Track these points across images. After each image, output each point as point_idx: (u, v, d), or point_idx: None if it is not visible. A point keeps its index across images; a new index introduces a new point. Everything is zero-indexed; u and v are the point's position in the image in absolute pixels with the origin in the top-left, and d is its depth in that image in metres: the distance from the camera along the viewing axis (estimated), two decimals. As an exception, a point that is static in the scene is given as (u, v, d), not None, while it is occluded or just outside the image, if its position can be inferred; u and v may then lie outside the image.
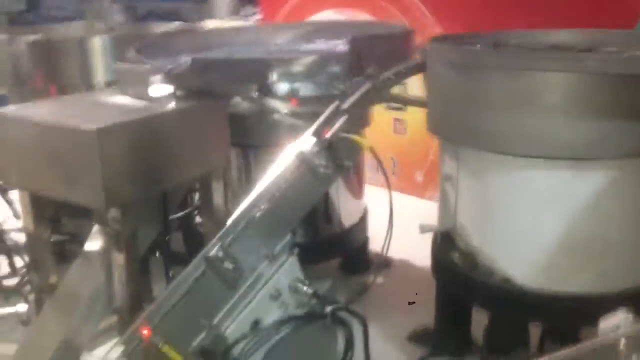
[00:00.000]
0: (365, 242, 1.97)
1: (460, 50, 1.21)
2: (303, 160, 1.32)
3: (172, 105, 1.38)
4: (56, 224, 1.52)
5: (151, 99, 1.41)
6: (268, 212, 1.30)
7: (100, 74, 1.91)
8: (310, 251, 1.82)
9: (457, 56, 1.20)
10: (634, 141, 1.11)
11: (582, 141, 1.12)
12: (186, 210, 1.65)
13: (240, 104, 1.52)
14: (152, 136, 1.28)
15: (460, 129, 1.24)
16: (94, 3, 7.67)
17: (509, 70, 1.12)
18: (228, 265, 1.24)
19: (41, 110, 1.29)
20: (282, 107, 1.48)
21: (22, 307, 1.50)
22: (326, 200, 1.82)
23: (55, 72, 1.92)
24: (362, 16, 3.05)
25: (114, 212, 1.26)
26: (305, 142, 1.33)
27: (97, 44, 1.93)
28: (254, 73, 1.47)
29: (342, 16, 3.12)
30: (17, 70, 1.90)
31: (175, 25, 2.37)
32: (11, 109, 1.29)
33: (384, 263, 1.97)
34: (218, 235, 1.24)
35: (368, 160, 1.86)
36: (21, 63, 1.90)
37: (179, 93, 1.46)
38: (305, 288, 1.32)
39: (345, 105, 1.39)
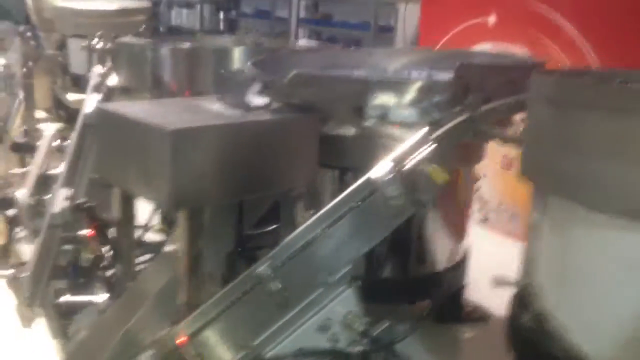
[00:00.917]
0: (460, 289, 1.81)
1: (558, 83, 1.05)
2: (373, 188, 1.24)
3: (260, 116, 1.37)
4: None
5: (245, 108, 1.42)
6: (328, 237, 1.23)
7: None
8: (394, 290, 1.74)
9: (554, 90, 1.04)
10: None
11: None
12: (267, 228, 1.62)
13: (338, 123, 1.47)
14: (231, 144, 1.28)
15: (549, 174, 1.07)
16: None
17: (608, 111, 0.95)
18: (276, 285, 1.19)
19: (137, 108, 1.36)
20: (381, 131, 1.41)
21: (100, 297, 1.57)
22: (419, 236, 1.69)
23: (191, 79, 2.03)
24: (519, 50, 2.86)
25: (183, 215, 1.28)
26: (380, 168, 1.25)
27: (234, 55, 2.00)
28: (353, 92, 1.42)
29: (499, 49, 2.96)
30: (156, 75, 2.04)
31: (302, 44, 2.39)
32: (111, 105, 1.38)
33: (480, 316, 1.79)
34: (271, 253, 1.21)
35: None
36: (160, 69, 2.03)
37: (275, 105, 1.45)
38: (357, 324, 1.24)
39: (434, 135, 1.29)
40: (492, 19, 2.99)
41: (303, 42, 2.39)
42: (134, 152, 1.26)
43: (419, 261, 1.74)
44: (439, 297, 1.79)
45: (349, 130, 1.45)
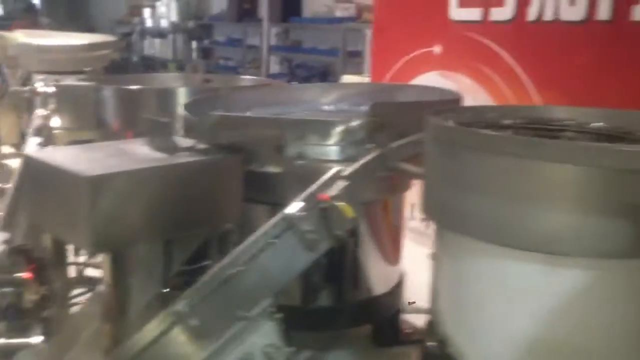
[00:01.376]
0: (397, 312, 1.86)
1: (440, 126, 1.12)
2: (288, 224, 1.30)
3: (183, 158, 1.43)
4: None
5: (172, 151, 1.48)
6: (246, 273, 1.29)
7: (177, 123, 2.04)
8: (331, 317, 1.79)
9: (437, 132, 1.12)
10: (613, 241, 0.95)
11: (558, 235, 0.98)
12: (196, 265, 1.67)
13: (262, 161, 1.53)
14: (152, 186, 1.34)
15: (439, 208, 1.15)
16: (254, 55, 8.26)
17: (481, 153, 1.02)
18: (194, 321, 1.24)
19: (63, 154, 1.41)
20: (301, 168, 1.47)
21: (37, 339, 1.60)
22: (354, 264, 1.75)
23: (133, 120, 2.08)
24: (464, 81, 2.97)
25: (107, 257, 1.33)
26: (294, 205, 1.31)
27: (176, 96, 2.07)
28: (271, 132, 1.49)
29: (445, 80, 3.06)
30: (99, 117, 2.10)
31: (249, 80, 2.46)
32: (36, 151, 1.44)
33: (418, 338, 1.84)
34: (188, 290, 1.26)
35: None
36: (103, 110, 2.09)
37: (201, 147, 1.52)
38: (277, 357, 1.29)
39: (346, 172, 1.36)
40: (437, 49, 3.09)
41: (247, 79, 2.45)
42: (58, 197, 1.31)
43: (355, 287, 1.80)
44: (376, 321, 1.85)
45: (273, 168, 1.52)
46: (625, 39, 2.34)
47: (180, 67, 8.98)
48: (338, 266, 1.77)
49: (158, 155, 1.44)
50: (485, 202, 1.04)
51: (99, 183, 1.24)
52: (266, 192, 1.55)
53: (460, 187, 1.08)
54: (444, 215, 1.15)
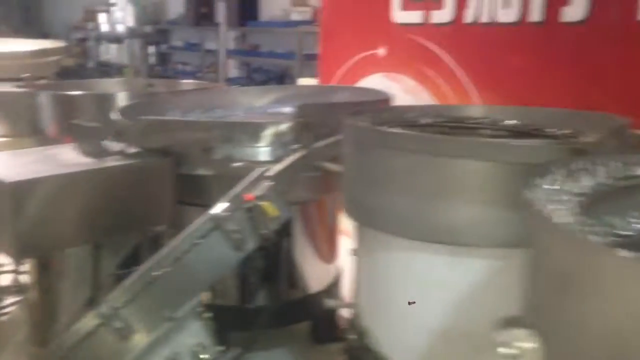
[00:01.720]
0: (334, 309, 1.90)
1: (351, 126, 1.17)
2: (214, 224, 1.32)
3: (110, 162, 1.44)
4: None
5: (100, 155, 1.49)
6: (171, 274, 1.31)
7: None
8: (269, 315, 1.82)
9: (350, 132, 1.16)
10: (511, 231, 1.00)
11: (459, 227, 1.03)
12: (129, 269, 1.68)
13: (193, 164, 1.55)
14: (77, 191, 1.35)
15: (355, 205, 1.19)
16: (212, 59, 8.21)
17: (386, 151, 1.06)
18: (119, 323, 1.25)
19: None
20: (230, 169, 1.50)
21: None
22: (288, 263, 1.78)
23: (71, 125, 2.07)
24: (408, 82, 3.03)
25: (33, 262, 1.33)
26: (220, 205, 1.34)
27: (114, 101, 2.06)
28: (201, 135, 1.51)
29: (390, 81, 3.12)
30: (35, 122, 2.08)
31: (191, 84, 2.47)
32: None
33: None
34: (113, 292, 1.27)
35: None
36: (39, 115, 2.08)
37: (130, 151, 1.53)
38: (206, 355, 1.31)
39: (271, 173, 1.39)
40: (381, 52, 3.15)
41: (190, 83, 2.46)
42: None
43: (292, 286, 1.83)
44: (314, 318, 1.88)
45: (203, 170, 1.54)
46: (556, 40, 2.43)
47: (137, 73, 8.89)
48: (274, 265, 1.79)
49: (85, 160, 1.45)
50: (393, 198, 1.08)
51: (21, 189, 1.25)
52: (198, 195, 1.57)
53: (371, 184, 1.12)
54: (359, 212, 1.19)
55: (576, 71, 2.35)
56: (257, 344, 1.82)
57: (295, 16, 7.83)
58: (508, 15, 2.55)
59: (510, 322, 0.56)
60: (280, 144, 1.49)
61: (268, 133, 1.48)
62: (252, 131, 1.48)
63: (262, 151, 1.49)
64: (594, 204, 0.69)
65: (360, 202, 1.16)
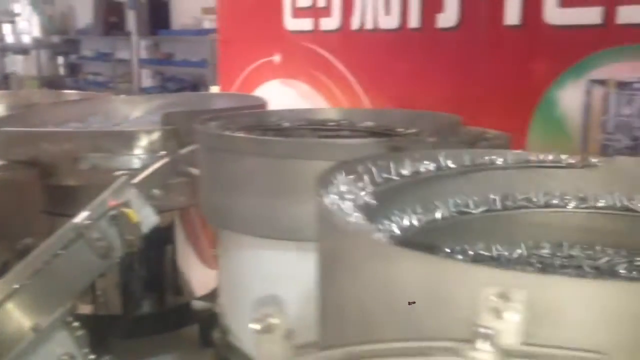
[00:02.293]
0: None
1: (200, 132, 1.22)
2: (77, 233, 1.34)
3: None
4: None
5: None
6: (35, 284, 1.31)
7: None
8: (154, 322, 1.84)
9: (199, 138, 1.22)
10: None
11: (303, 223, 1.10)
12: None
13: (61, 175, 1.55)
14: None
15: (209, 207, 1.24)
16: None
17: (230, 154, 1.12)
18: (-22, 336, 1.24)
19: None
20: (97, 178, 1.51)
21: None
22: (171, 269, 1.81)
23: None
24: (303, 88, 3.12)
25: None
26: (83, 214, 1.35)
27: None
28: (66, 146, 1.51)
29: (286, 87, 3.19)
30: None
31: (75, 94, 2.46)
32: None
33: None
34: (-29, 306, 1.26)
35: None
36: None
37: (-2, 163, 1.52)
38: (71, 363, 1.31)
39: (135, 180, 1.42)
40: (277, 58, 3.22)
41: (74, 94, 2.44)
42: None
43: (175, 292, 1.85)
44: (201, 322, 1.91)
45: (73, 180, 1.54)
46: (433, 45, 2.57)
47: (46, 84, 8.60)
48: (157, 272, 1.82)
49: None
50: (240, 199, 1.14)
51: None
52: (68, 205, 1.57)
53: (220, 186, 1.17)
54: (213, 214, 1.24)
55: (451, 73, 2.50)
56: (146, 351, 1.83)
57: (207, 24, 7.80)
58: (389, 22, 2.68)
59: (267, 301, 0.62)
60: (148, 152, 1.52)
61: (134, 141, 1.50)
62: (118, 140, 1.50)
63: (129, 160, 1.51)
64: (382, 199, 0.77)
65: (214, 204, 1.21)
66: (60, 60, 9.94)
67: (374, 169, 0.83)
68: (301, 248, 1.14)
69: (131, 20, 8.76)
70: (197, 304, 1.87)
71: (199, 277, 1.88)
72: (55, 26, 9.77)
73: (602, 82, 2.12)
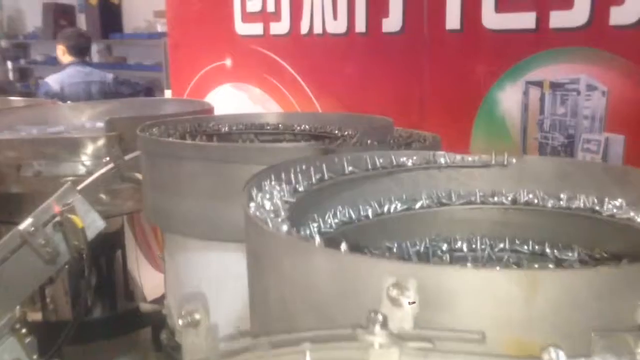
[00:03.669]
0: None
1: (141, 137, 1.24)
2: (22, 239, 1.34)
3: None
4: None
5: None
6: (-21, 292, 1.31)
7: None
8: (105, 325, 1.85)
9: (140, 143, 1.24)
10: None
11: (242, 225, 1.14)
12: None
13: (6, 182, 1.55)
14: None
15: (153, 212, 1.27)
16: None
17: (171, 160, 1.15)
18: None
19: None
20: (41, 185, 1.51)
21: None
22: (121, 272, 1.83)
23: None
24: (254, 91, 3.15)
25: None
26: (27, 220, 1.36)
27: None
28: (8, 153, 1.52)
29: (237, 91, 3.22)
30: None
31: (21, 101, 2.44)
32: None
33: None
34: None
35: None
36: None
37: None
38: (19, 369, 1.32)
39: (80, 186, 1.43)
40: (228, 62, 3.25)
41: (20, 100, 2.43)
42: None
43: (125, 297, 1.87)
44: (155, 325, 1.93)
45: (17, 188, 1.55)
46: (379, 49, 2.64)
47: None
48: (107, 276, 1.83)
49: None
50: (183, 202, 1.17)
51: None
52: (12, 213, 1.58)
53: (164, 191, 1.20)
54: (158, 218, 1.27)
55: (397, 76, 2.58)
56: (98, 355, 1.84)
57: (159, 27, 7.74)
58: (337, 26, 2.74)
59: (191, 297, 0.66)
60: (92, 158, 1.53)
61: (79, 148, 1.52)
62: (62, 146, 1.51)
63: (74, 166, 1.53)
64: (308, 201, 0.82)
65: (157, 208, 1.24)
66: (9, 65, 9.71)
67: (300, 172, 0.87)
68: (243, 249, 1.18)
69: (82, 24, 8.66)
70: (148, 307, 1.89)
71: (149, 280, 1.90)
72: (3, 30, 9.54)
73: (537, 84, 2.23)
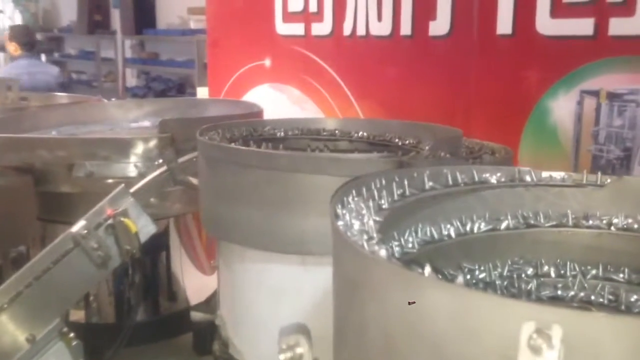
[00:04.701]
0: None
1: (202, 142, 1.20)
2: (74, 242, 1.32)
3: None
4: None
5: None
6: (30, 294, 1.29)
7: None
8: (148, 329, 1.82)
9: (201, 148, 1.20)
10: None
11: (308, 238, 1.09)
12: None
13: (56, 182, 1.53)
14: None
15: (211, 219, 1.23)
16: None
17: (234, 166, 1.11)
18: (-29, 349, 1.22)
19: None
20: (94, 186, 1.49)
21: None
22: (166, 277, 1.80)
23: None
24: (293, 92, 3.11)
25: None
26: (80, 223, 1.33)
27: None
28: (61, 152, 1.49)
29: (276, 92, 3.18)
30: None
31: (66, 97, 2.43)
32: None
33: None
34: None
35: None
36: None
37: (-11, 170, 1.49)
38: (67, 375, 1.30)
39: (133, 189, 1.40)
40: (267, 62, 3.21)
41: (65, 97, 2.41)
42: None
43: (170, 299, 1.84)
44: (196, 330, 1.90)
45: (66, 188, 1.53)
46: (424, 53, 2.58)
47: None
48: (152, 280, 1.80)
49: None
50: (243, 211, 1.13)
51: None
52: (64, 213, 1.55)
53: (222, 198, 1.16)
54: (214, 225, 1.23)
55: (442, 81, 2.51)
56: (141, 359, 1.82)
57: (193, 24, 7.75)
58: (381, 29, 2.68)
59: (292, 329, 0.62)
60: (144, 159, 1.50)
61: (131, 149, 1.49)
62: (114, 147, 1.48)
63: (125, 167, 1.50)
64: (390, 218, 0.77)
65: (215, 216, 1.20)
66: (43, 58, 9.81)
67: (383, 187, 0.83)
68: (305, 262, 1.14)
69: (116, 19, 8.72)
70: (192, 312, 1.86)
71: (194, 284, 1.86)
72: (38, 24, 9.65)
73: (593, 93, 2.15)
